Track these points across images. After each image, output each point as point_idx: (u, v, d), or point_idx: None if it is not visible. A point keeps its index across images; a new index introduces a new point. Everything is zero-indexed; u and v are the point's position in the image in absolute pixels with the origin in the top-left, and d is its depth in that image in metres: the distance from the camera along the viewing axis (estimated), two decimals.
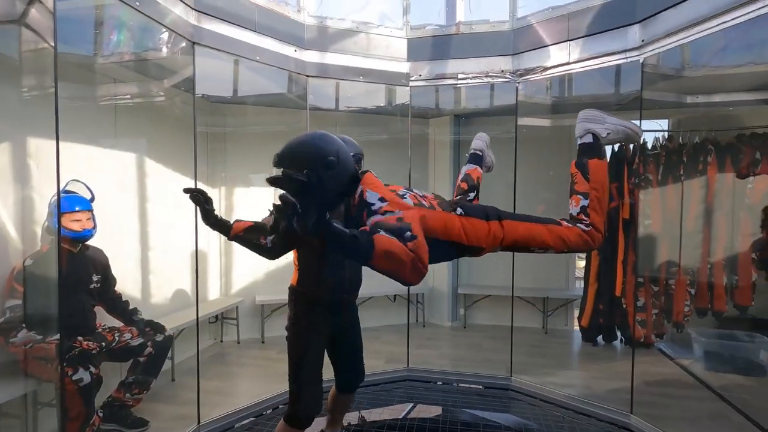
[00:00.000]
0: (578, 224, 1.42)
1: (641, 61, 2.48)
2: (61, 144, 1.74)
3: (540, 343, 4.07)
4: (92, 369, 2.10)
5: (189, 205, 1.87)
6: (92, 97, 2.92)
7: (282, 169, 0.96)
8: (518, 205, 3.15)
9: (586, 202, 1.41)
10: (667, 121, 4.18)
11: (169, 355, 2.99)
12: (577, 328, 4.20)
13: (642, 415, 2.54)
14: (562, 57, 2.78)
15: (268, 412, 2.77)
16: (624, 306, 3.78)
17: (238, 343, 3.98)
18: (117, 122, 3.01)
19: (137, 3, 1.98)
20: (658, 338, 3.82)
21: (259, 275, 4.10)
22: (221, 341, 4.00)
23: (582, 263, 4.44)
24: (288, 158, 1.20)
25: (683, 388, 3.14)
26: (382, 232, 1.05)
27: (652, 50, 2.43)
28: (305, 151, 1.23)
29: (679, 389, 3.10)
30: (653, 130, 4.00)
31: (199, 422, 2.48)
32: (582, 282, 4.17)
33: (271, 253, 1.72)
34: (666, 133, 3.94)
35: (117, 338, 2.40)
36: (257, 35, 2.66)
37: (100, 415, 2.30)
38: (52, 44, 1.77)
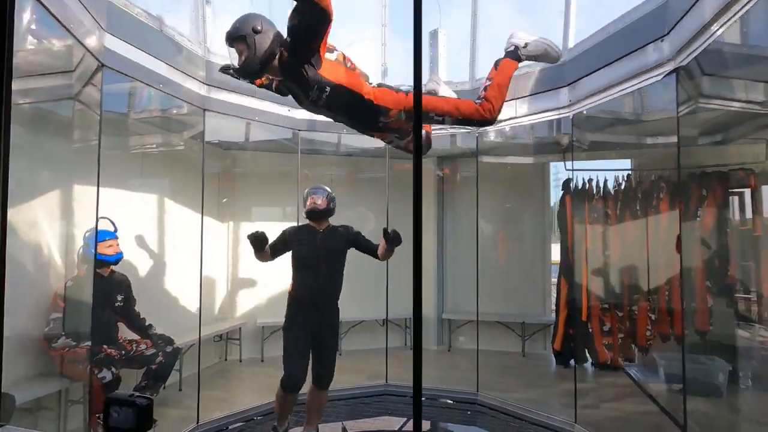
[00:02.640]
0: (476, 100, 1.78)
1: (570, 116, 2.97)
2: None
3: (516, 365, 4.37)
4: (113, 370, 2.60)
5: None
6: (125, 146, 3.57)
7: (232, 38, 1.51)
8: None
9: (489, 83, 1.80)
10: (629, 161, 4.59)
11: (178, 367, 3.47)
12: None
13: (586, 425, 2.85)
14: (510, 112, 3.30)
15: (259, 417, 3.19)
16: (590, 330, 4.08)
17: (240, 361, 4.42)
18: (143, 167, 3.63)
19: (160, 85, 2.61)
20: (627, 362, 4.08)
21: (261, 300, 4.58)
22: (225, 359, 4.46)
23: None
24: (233, 32, 1.53)
25: (637, 404, 3.41)
26: None
27: (578, 108, 2.92)
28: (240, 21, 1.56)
29: (633, 406, 3.37)
30: (615, 169, 4.42)
31: (198, 423, 2.92)
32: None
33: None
34: (626, 173, 4.35)
35: (134, 348, 2.90)
36: (259, 100, 3.28)
37: None
38: (98, 113, 2.41)
